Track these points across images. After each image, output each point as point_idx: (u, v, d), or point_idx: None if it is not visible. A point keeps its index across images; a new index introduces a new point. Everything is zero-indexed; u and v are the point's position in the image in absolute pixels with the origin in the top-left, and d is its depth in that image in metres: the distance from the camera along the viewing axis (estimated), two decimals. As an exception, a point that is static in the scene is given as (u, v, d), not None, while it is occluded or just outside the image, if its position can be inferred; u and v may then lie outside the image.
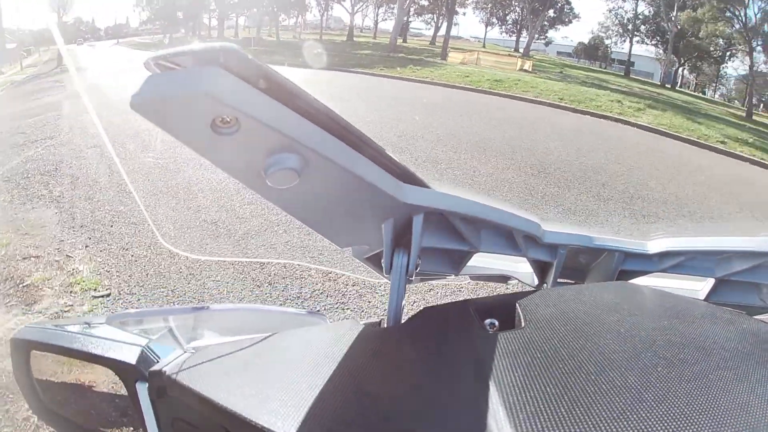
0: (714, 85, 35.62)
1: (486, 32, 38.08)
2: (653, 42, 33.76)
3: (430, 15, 35.12)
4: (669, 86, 29.93)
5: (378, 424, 0.45)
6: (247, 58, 0.43)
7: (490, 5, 36.18)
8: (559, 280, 0.88)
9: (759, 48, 25.71)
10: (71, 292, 3.36)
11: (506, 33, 37.44)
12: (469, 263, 0.83)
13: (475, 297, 0.69)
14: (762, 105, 30.87)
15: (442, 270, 0.81)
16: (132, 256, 3.82)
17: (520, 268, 0.97)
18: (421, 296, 3.36)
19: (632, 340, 0.55)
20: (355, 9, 31.21)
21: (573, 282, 0.91)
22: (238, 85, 0.42)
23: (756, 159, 12.71)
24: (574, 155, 8.75)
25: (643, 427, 0.41)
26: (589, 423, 0.41)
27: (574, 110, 14.80)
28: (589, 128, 12.37)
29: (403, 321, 0.67)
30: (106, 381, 0.77)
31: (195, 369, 0.60)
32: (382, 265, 0.70)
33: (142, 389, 0.66)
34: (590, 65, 36.58)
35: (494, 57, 24.86)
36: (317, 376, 0.53)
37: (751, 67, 25.20)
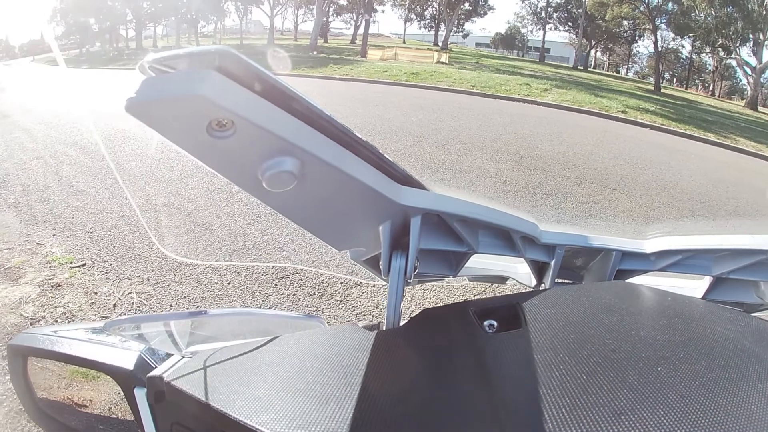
0: (626, 63, 37.43)
1: (405, 28, 39.13)
2: (565, 28, 35.28)
3: (349, 14, 35.76)
4: (581, 68, 31.62)
5: (378, 427, 0.45)
6: (244, 61, 0.43)
7: (407, 1, 37.22)
8: (557, 280, 0.88)
9: (663, 26, 27.68)
10: (50, 267, 4.01)
11: (425, 28, 38.73)
12: (467, 264, 0.83)
13: (474, 298, 0.69)
14: (675, 80, 32.97)
15: (440, 271, 0.81)
16: (98, 236, 4.52)
17: (518, 269, 0.97)
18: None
19: (632, 339, 0.56)
20: (274, 12, 31.42)
21: (571, 282, 0.92)
22: (233, 88, 0.42)
23: (656, 124, 14.56)
24: (475, 130, 10.03)
25: (643, 426, 0.41)
26: (590, 422, 0.42)
27: (485, 95, 16.14)
28: (495, 108, 13.75)
29: (401, 323, 0.68)
30: (103, 387, 0.79)
31: (193, 374, 0.59)
32: (381, 267, 0.70)
33: (141, 395, 0.66)
34: (508, 54, 37.64)
35: (412, 52, 26.25)
36: (316, 380, 0.53)
37: (655, 43, 27.12)
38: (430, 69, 20.49)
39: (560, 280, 0.90)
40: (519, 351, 0.54)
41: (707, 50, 29.11)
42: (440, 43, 33.56)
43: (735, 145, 13.96)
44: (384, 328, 0.70)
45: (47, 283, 3.77)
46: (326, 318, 3.28)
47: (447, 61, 23.79)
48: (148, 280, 3.76)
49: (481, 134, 9.61)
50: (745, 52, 25.58)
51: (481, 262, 0.95)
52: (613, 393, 0.46)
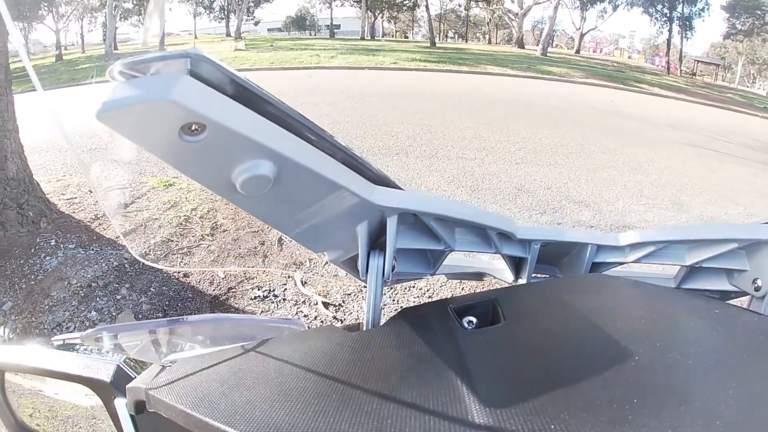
0: (412, 28, 40.29)
1: (196, 24, 38.67)
2: (351, 3, 36.86)
3: (137, 17, 34.74)
4: (370, 38, 34.11)
5: (361, 428, 0.45)
6: (216, 64, 0.42)
7: (194, -5, 37.10)
8: (534, 275, 0.89)
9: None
10: None
11: (216, 20, 38.84)
12: (445, 262, 0.83)
13: (453, 296, 0.69)
14: (456, 35, 37.66)
15: (418, 270, 0.81)
16: None
17: (495, 265, 0.98)
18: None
19: (608, 331, 0.56)
20: (59, 26, 29.31)
21: (547, 276, 0.94)
22: (205, 92, 0.42)
23: (420, 67, 18.80)
24: (272, 88, 12.62)
25: (621, 418, 0.41)
26: (569, 415, 0.42)
27: (282, 68, 18.50)
28: (289, 75, 16.49)
29: (381, 323, 0.67)
30: (83, 399, 0.78)
31: (174, 382, 0.58)
32: (359, 268, 0.70)
33: (121, 405, 0.65)
34: (300, 35, 38.18)
35: (208, 45, 27.05)
36: (298, 384, 0.53)
37: (426, 6, 30.35)
38: (232, 56, 22.13)
39: (537, 275, 0.91)
40: (499, 346, 0.55)
41: (478, 6, 34.26)
42: (233, 34, 34.49)
43: (484, 71, 18.93)
44: (364, 329, 0.70)
45: None
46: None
47: (244, 48, 25.51)
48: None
49: (276, 89, 12.10)
50: (508, 1, 30.23)
51: (458, 259, 0.98)
52: (592, 385, 0.46)
